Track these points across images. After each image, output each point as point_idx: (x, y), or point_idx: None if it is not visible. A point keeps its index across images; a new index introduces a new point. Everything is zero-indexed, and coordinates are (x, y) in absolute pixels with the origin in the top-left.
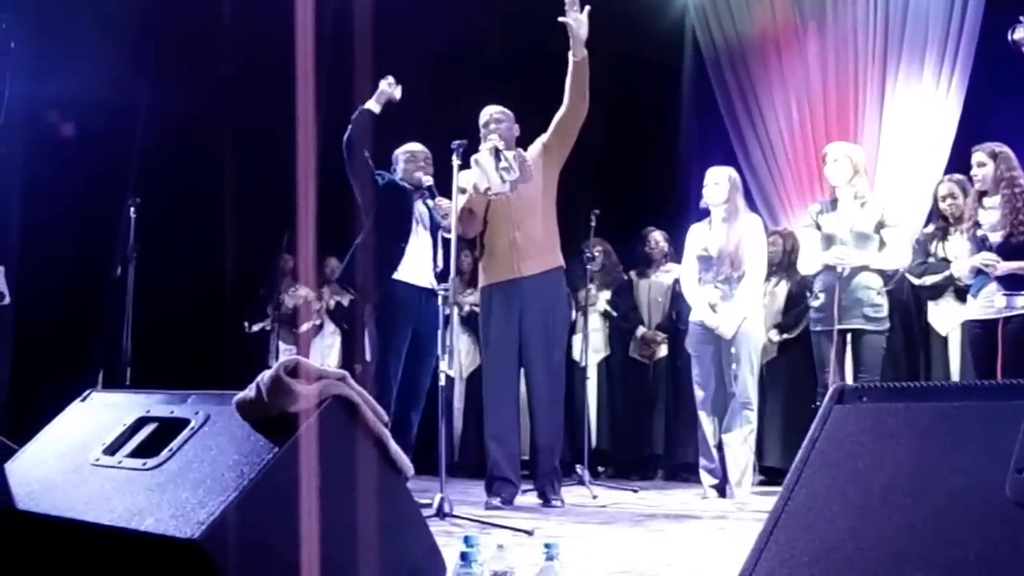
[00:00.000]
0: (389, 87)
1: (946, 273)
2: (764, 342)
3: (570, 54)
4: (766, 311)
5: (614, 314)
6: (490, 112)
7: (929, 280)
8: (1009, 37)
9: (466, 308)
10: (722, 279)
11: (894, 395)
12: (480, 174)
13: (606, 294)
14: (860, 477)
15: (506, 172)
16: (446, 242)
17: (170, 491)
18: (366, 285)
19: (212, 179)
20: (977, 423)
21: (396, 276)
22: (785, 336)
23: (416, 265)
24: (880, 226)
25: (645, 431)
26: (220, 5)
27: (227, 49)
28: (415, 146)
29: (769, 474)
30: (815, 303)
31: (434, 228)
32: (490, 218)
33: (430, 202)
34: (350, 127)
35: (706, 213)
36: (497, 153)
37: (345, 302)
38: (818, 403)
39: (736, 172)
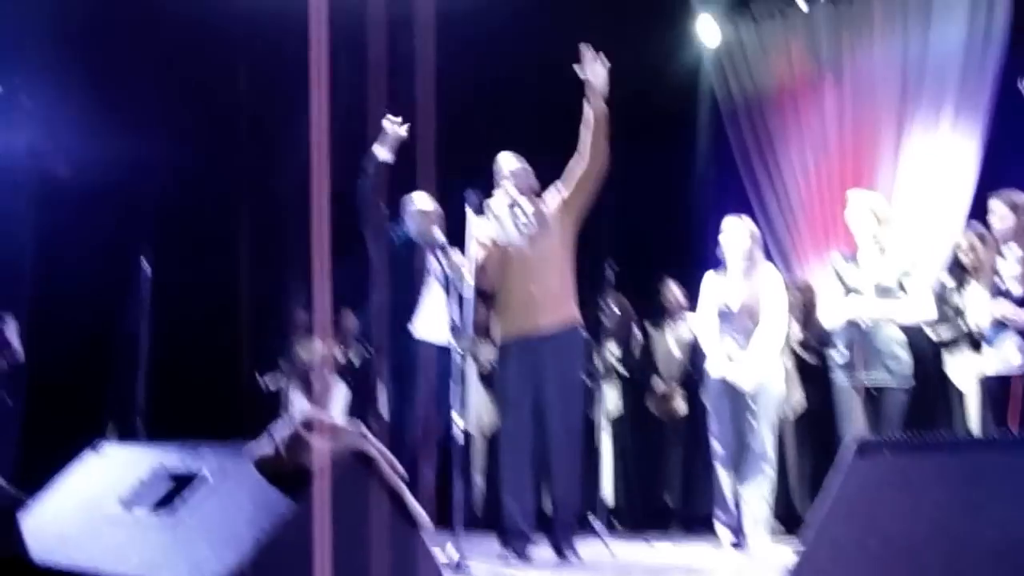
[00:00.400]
0: (392, 127)
1: (960, 324)
2: (783, 395)
3: (588, 107)
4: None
5: (624, 373)
6: (507, 162)
7: (944, 333)
8: (1020, 85)
9: (485, 365)
10: (741, 332)
11: (916, 448)
12: (496, 227)
13: (614, 350)
14: (881, 530)
15: (523, 225)
16: (460, 298)
17: (186, 544)
18: (382, 341)
19: (226, 232)
20: (1000, 476)
21: (411, 332)
22: (804, 392)
23: (431, 320)
24: (903, 278)
25: (661, 484)
26: (235, 61)
27: (241, 103)
28: (425, 203)
29: (790, 524)
30: (837, 358)
31: (447, 284)
32: (507, 272)
33: (444, 259)
34: (363, 180)
35: (721, 260)
36: (514, 206)
37: (354, 357)
38: None
39: (754, 224)
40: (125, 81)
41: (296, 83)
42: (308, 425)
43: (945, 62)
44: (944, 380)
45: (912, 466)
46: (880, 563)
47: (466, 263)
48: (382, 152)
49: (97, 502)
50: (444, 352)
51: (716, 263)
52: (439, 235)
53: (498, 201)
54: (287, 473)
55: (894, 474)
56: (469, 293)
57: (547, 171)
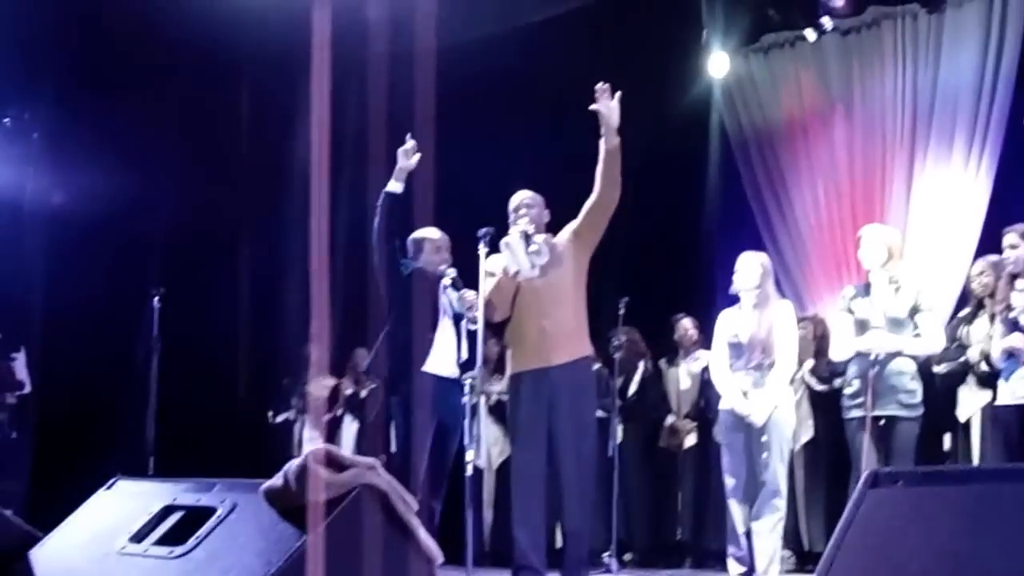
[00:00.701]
0: (406, 157)
1: (961, 360)
2: (795, 429)
3: (601, 142)
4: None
5: (633, 405)
6: (521, 197)
7: (944, 368)
8: None
9: (493, 398)
10: (753, 366)
11: (929, 479)
12: (510, 257)
13: (627, 384)
14: (895, 562)
15: (536, 256)
16: (469, 332)
17: None
18: (393, 376)
19: (234, 270)
20: (1014, 507)
21: (422, 367)
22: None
23: (440, 355)
24: (915, 311)
25: (672, 518)
26: (239, 104)
27: (246, 144)
28: (435, 233)
29: (805, 559)
30: (848, 390)
31: (456, 318)
32: (518, 306)
33: (454, 293)
34: (378, 214)
35: (736, 299)
36: (527, 237)
37: (362, 393)
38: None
39: (767, 258)
40: (135, 116)
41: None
42: (318, 458)
43: (956, 94)
44: (950, 410)
45: (925, 497)
46: None
47: (476, 297)
48: (394, 185)
49: (108, 537)
50: (453, 385)
51: (727, 297)
52: (450, 270)
53: (511, 233)
54: (298, 506)
55: (907, 505)
56: (479, 326)
57: (558, 213)
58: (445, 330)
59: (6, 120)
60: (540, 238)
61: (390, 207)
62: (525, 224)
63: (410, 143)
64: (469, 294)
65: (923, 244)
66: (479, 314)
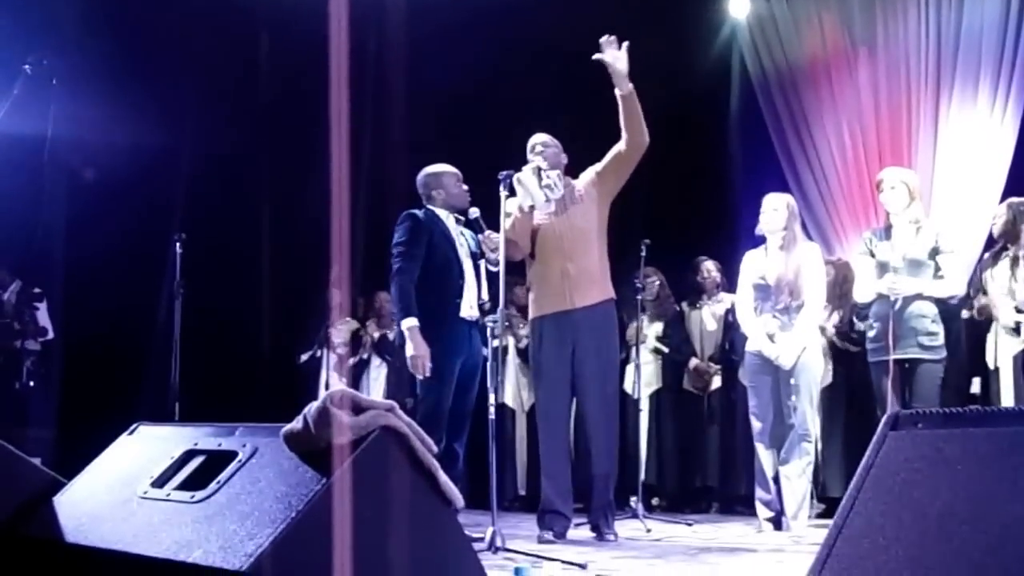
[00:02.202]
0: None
1: (984, 303)
2: (822, 372)
3: (616, 91)
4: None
5: (665, 350)
6: (537, 138)
7: (978, 310)
8: None
9: (523, 342)
10: (780, 308)
11: (951, 421)
12: (523, 193)
13: (657, 327)
14: (916, 504)
15: (549, 190)
16: (490, 274)
17: (218, 523)
18: (420, 319)
19: (257, 214)
20: None
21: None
22: (836, 367)
23: (463, 298)
24: (935, 253)
25: (699, 463)
26: (257, 45)
27: (266, 86)
28: (449, 168)
29: (829, 504)
30: (870, 333)
31: (475, 259)
32: (541, 249)
33: (481, 236)
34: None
35: (760, 240)
36: (539, 172)
37: (390, 335)
38: None
39: (793, 200)
40: (156, 61)
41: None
42: (337, 400)
43: (980, 36)
44: (980, 355)
45: (947, 439)
46: (914, 536)
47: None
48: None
49: (130, 482)
50: (474, 327)
51: (751, 239)
52: (473, 210)
53: (523, 169)
54: (319, 450)
55: (928, 447)
56: (501, 268)
57: (576, 160)
58: (467, 272)
59: (26, 67)
60: (553, 173)
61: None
62: (539, 161)
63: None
64: (493, 235)
65: (949, 187)
66: (500, 259)
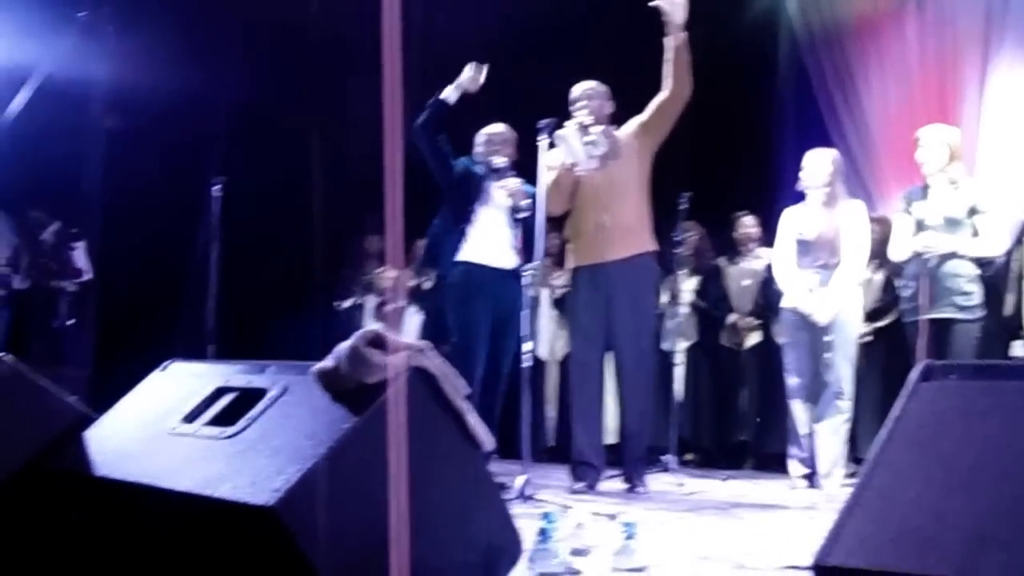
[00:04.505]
0: (471, 81)
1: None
2: (860, 331)
3: (668, 39)
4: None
5: (702, 304)
6: (582, 87)
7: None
8: None
9: (557, 291)
10: (820, 265)
11: (982, 373)
12: (566, 149)
13: (693, 281)
14: (945, 455)
15: (592, 147)
16: (521, 223)
17: (247, 459)
18: (439, 267)
19: (298, 158)
20: None
21: (470, 257)
22: (874, 325)
23: (492, 246)
24: (972, 212)
25: (734, 419)
26: None
27: (313, 28)
28: (495, 128)
29: (861, 464)
30: (905, 292)
31: (512, 209)
32: (579, 200)
33: (498, 184)
34: (422, 114)
35: (800, 197)
36: (583, 128)
37: (427, 284)
38: None
39: (838, 155)
40: (199, 4)
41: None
42: (369, 340)
43: None
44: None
45: (979, 391)
46: (942, 488)
47: (517, 185)
48: (450, 93)
49: (160, 418)
50: (508, 276)
51: (792, 195)
52: (497, 160)
53: (567, 125)
54: (348, 388)
55: (960, 398)
56: (540, 218)
57: (624, 106)
58: (495, 221)
59: (82, 14)
60: (597, 129)
61: (435, 111)
62: (584, 115)
63: (481, 73)
64: (511, 182)
65: (996, 145)
66: (525, 203)
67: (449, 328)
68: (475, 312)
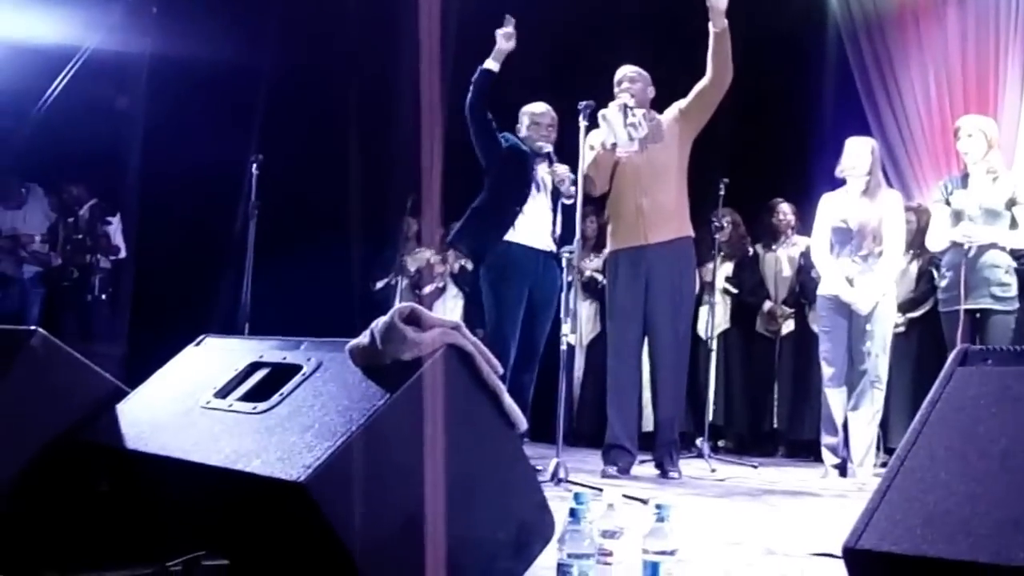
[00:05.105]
0: (505, 39)
1: None
2: (895, 321)
3: (710, 25)
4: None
5: (733, 291)
6: (625, 71)
7: None
8: None
9: (587, 274)
10: (862, 254)
11: (1019, 359)
12: (607, 130)
13: (727, 268)
14: (980, 440)
15: (633, 129)
16: (565, 208)
17: (278, 434)
18: (478, 246)
19: (336, 138)
20: None
21: (512, 238)
22: (910, 316)
23: (534, 228)
24: (1011, 203)
25: (767, 406)
26: None
27: (353, 5)
28: (539, 108)
29: (892, 454)
30: (942, 282)
31: (554, 193)
32: (618, 183)
33: (546, 168)
34: (471, 90)
35: (838, 183)
36: (626, 109)
37: (469, 266)
38: None
39: (877, 144)
40: None
41: None
42: (405, 317)
43: None
44: None
45: (1016, 376)
46: (976, 472)
47: (567, 171)
48: (491, 64)
49: (193, 392)
50: (548, 258)
51: (829, 182)
52: (545, 146)
53: (609, 106)
54: (382, 365)
55: (996, 384)
56: (578, 201)
57: (665, 93)
58: (539, 204)
59: None
60: (639, 111)
61: (483, 84)
62: (626, 98)
63: (510, 27)
64: (560, 168)
65: None
66: (573, 189)
67: (485, 308)
68: (515, 293)
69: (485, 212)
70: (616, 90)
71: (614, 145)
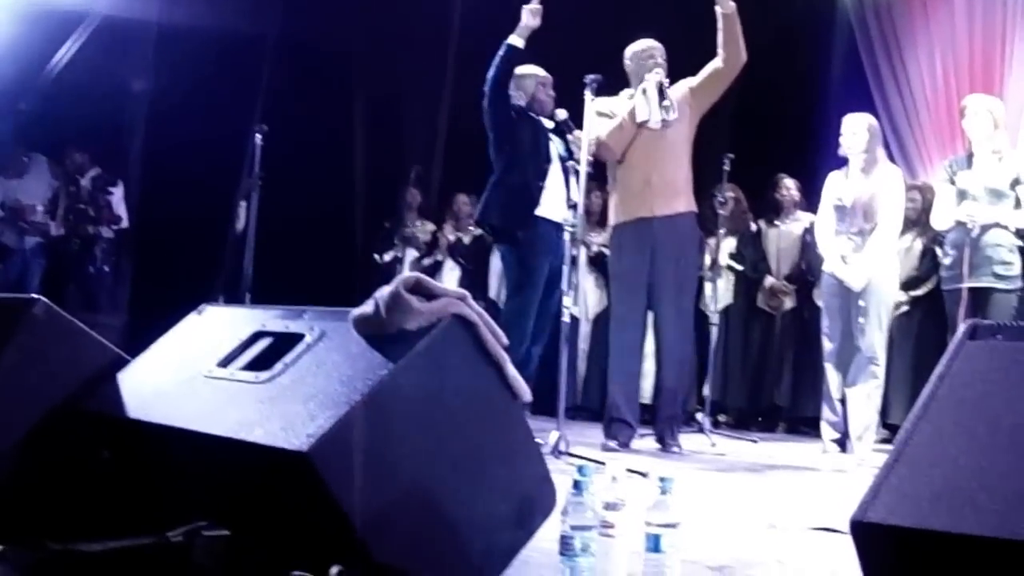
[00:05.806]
0: (531, 16)
1: None
2: (896, 298)
3: (717, 7)
4: (900, 267)
5: (738, 268)
6: (652, 44)
7: None
8: None
9: (594, 248)
10: (855, 231)
11: None
12: (642, 103)
13: (730, 243)
14: (989, 415)
15: (666, 111)
16: (577, 175)
17: (281, 404)
18: (509, 223)
19: (341, 108)
20: None
21: (544, 213)
22: (912, 294)
23: (553, 201)
24: (1016, 183)
25: (769, 382)
26: None
27: None
28: (540, 70)
29: (892, 431)
30: (945, 260)
31: (563, 160)
32: (627, 156)
33: (570, 136)
34: (496, 65)
35: (845, 162)
36: (662, 89)
37: (466, 239)
38: None
39: (875, 121)
40: None
41: None
42: (410, 286)
43: None
44: None
45: None
46: (984, 447)
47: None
48: (516, 40)
49: (195, 361)
50: (561, 229)
51: (835, 160)
52: (561, 112)
53: (648, 79)
54: (386, 334)
55: (1005, 358)
56: (583, 170)
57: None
58: (556, 175)
59: None
60: (673, 95)
61: (509, 60)
62: (662, 75)
63: (535, 3)
64: (580, 134)
65: None
66: (586, 155)
67: (510, 282)
68: (542, 268)
69: (511, 188)
70: (646, 62)
71: (644, 121)
